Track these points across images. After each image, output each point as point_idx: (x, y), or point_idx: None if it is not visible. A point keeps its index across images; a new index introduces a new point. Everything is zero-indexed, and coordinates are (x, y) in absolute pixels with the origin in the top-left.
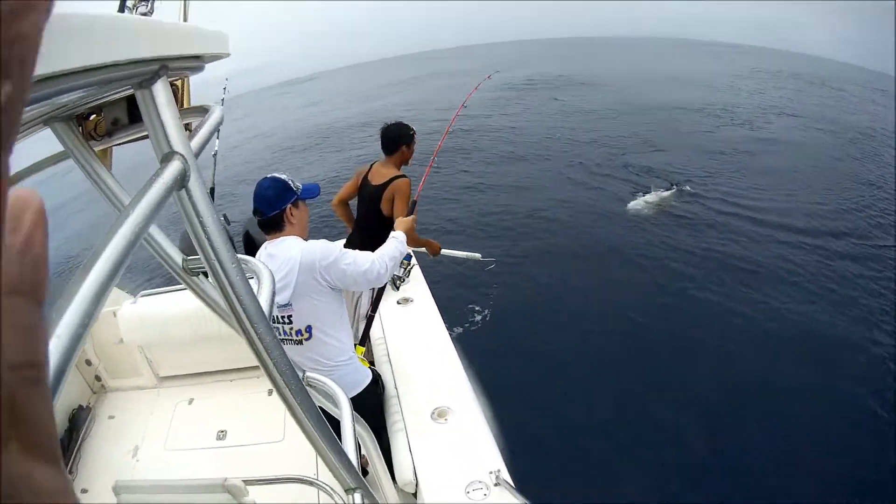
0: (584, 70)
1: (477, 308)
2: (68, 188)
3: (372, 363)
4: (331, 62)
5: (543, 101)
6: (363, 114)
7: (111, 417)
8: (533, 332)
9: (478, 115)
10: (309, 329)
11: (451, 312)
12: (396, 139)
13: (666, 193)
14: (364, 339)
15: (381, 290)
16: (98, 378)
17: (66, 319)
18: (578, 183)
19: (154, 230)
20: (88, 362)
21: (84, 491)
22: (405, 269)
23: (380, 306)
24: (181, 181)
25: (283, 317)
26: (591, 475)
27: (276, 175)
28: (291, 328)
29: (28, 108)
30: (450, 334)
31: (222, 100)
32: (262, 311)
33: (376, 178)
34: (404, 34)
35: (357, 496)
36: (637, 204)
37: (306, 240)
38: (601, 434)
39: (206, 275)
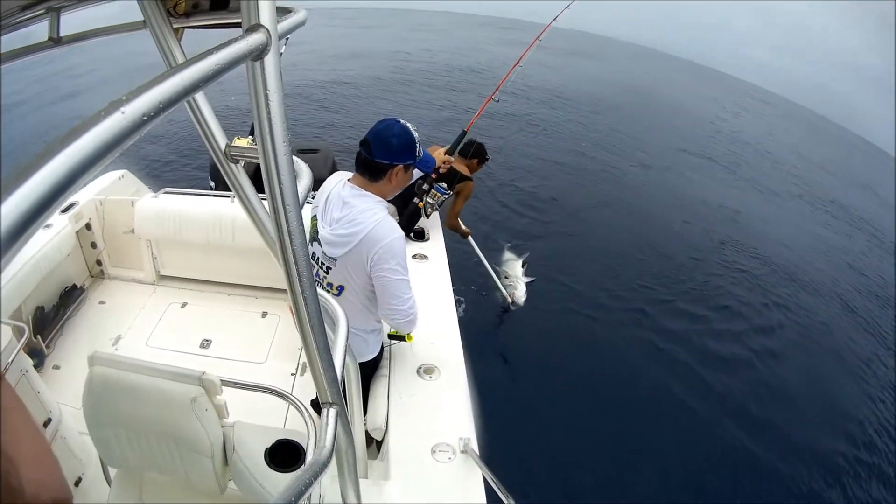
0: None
1: None
2: None
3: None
4: None
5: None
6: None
7: (102, 303)
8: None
9: None
10: (340, 289)
11: None
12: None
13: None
14: None
15: (417, 217)
16: (99, 263)
17: (67, 154)
18: None
19: (205, 107)
20: (94, 245)
21: (56, 367)
22: (439, 200)
23: None
24: (260, 53)
25: (324, 264)
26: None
27: (411, 128)
28: (325, 279)
29: None
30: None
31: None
32: (297, 197)
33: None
34: None
35: (332, 411)
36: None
37: (387, 203)
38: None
39: (243, 166)
